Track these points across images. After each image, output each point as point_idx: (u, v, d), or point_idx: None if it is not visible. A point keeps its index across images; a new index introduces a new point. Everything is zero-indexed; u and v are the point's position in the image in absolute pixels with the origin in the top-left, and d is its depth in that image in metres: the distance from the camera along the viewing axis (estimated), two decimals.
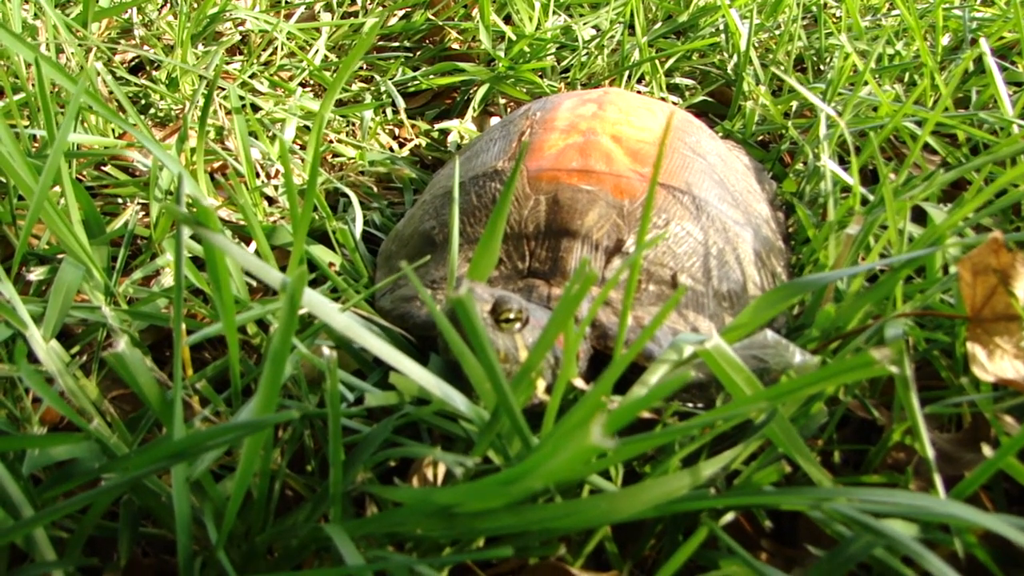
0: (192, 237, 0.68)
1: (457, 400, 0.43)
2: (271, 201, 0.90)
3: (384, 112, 1.12)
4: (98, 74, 0.89)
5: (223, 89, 0.96)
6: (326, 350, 0.43)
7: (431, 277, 0.66)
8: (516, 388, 0.40)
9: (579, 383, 0.51)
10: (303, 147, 1.00)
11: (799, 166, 0.94)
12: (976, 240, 0.61)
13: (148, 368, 0.42)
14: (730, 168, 0.79)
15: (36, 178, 0.61)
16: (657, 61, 1.16)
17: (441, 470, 0.54)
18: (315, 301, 0.39)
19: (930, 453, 0.47)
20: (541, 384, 0.53)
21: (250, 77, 1.11)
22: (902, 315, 0.55)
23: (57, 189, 0.68)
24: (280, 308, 0.44)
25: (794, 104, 1.09)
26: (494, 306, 0.50)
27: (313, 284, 0.73)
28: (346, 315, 0.54)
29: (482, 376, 0.37)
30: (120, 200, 0.85)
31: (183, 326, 0.61)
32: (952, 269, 0.61)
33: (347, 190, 0.87)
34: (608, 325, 0.58)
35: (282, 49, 1.20)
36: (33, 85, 0.73)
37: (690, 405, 0.56)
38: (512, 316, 0.50)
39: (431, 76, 1.18)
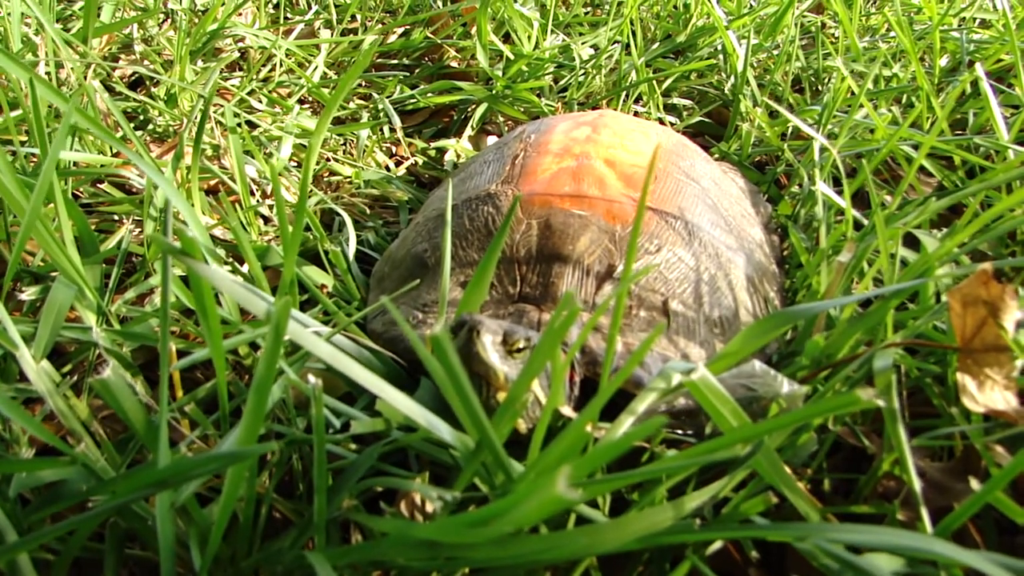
0: None
1: (442, 429, 0.42)
2: (267, 220, 0.90)
3: (381, 130, 1.12)
4: (95, 91, 0.90)
5: (220, 106, 0.97)
6: (312, 377, 0.43)
7: (422, 300, 0.66)
8: (498, 421, 0.40)
9: (566, 411, 0.51)
10: (299, 165, 1.00)
11: (795, 188, 0.94)
12: (966, 270, 0.61)
13: (134, 394, 0.42)
14: (724, 192, 0.79)
15: (27, 196, 0.61)
16: (655, 81, 1.16)
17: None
18: (300, 331, 0.39)
19: (917, 486, 0.47)
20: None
21: (248, 94, 1.12)
22: (892, 344, 0.55)
23: (52, 207, 0.68)
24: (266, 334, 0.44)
25: (790, 125, 1.09)
26: (504, 336, 0.52)
27: (305, 305, 0.73)
28: (333, 341, 0.54)
29: (464, 410, 0.37)
30: (116, 217, 0.85)
31: (172, 349, 0.61)
32: (944, 297, 0.61)
33: (340, 210, 0.87)
34: (598, 351, 0.58)
35: (281, 66, 1.20)
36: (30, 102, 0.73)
37: (679, 432, 0.56)
38: (522, 346, 0.52)
39: (429, 94, 1.18)
